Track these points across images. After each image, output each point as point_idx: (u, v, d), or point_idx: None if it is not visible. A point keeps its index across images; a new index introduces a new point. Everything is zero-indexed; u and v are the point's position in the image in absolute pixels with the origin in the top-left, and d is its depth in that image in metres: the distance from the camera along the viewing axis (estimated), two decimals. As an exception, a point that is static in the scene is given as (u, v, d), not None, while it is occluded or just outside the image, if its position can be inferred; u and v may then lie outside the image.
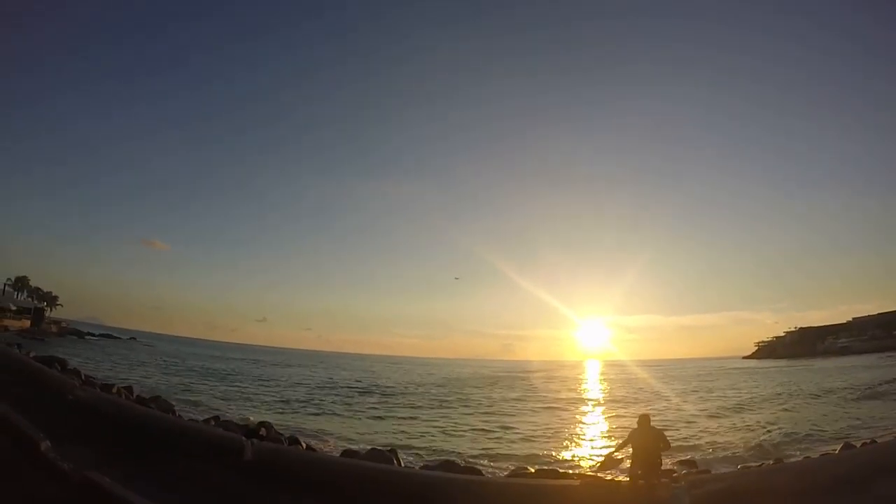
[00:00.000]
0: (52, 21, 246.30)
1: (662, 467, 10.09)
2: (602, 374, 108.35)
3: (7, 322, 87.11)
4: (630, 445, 9.92)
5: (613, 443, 27.10)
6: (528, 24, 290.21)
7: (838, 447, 19.48)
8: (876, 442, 19.09)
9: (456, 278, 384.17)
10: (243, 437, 12.11)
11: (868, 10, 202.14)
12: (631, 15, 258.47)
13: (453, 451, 23.82)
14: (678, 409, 38.59)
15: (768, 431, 28.45)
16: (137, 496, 7.43)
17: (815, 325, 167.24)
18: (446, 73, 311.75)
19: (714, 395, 51.44)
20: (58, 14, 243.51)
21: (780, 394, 48.31)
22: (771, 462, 18.53)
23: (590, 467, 20.63)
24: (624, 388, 64.20)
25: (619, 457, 10.84)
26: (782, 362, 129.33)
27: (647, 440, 9.69)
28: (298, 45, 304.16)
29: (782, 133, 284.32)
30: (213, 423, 19.73)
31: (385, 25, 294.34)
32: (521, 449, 25.57)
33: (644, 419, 10.06)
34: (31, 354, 30.54)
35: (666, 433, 10.25)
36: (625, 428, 30.13)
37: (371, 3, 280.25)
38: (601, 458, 10.92)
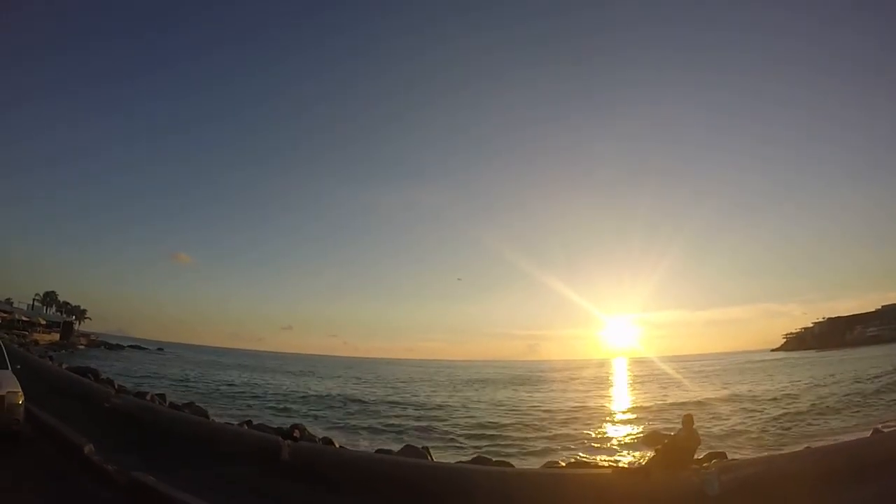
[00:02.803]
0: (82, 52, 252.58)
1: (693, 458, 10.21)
2: (631, 372, 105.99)
3: (37, 336, 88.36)
4: (673, 441, 10.05)
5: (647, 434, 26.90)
6: (548, 33, 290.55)
7: (869, 433, 19.26)
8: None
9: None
10: (280, 438, 12.27)
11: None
12: (661, 16, 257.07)
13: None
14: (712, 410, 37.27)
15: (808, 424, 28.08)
16: (186, 494, 7.57)
17: (844, 314, 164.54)
18: (468, 79, 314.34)
19: (746, 390, 49.90)
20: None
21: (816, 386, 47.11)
22: (800, 448, 18.34)
23: (627, 454, 20.51)
24: (655, 386, 63.03)
25: (662, 432, 10.85)
26: (811, 353, 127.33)
27: (688, 439, 9.83)
28: (329, 65, 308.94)
29: (808, 127, 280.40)
30: (246, 426, 19.92)
31: (411, 42, 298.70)
32: (552, 447, 25.46)
33: (688, 419, 10.18)
34: (64, 366, 31.15)
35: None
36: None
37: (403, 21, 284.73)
38: (646, 434, 10.91)
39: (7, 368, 12.73)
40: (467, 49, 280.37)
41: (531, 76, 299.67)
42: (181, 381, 57.35)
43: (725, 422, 30.21)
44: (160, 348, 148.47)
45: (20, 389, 11.63)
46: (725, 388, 52.33)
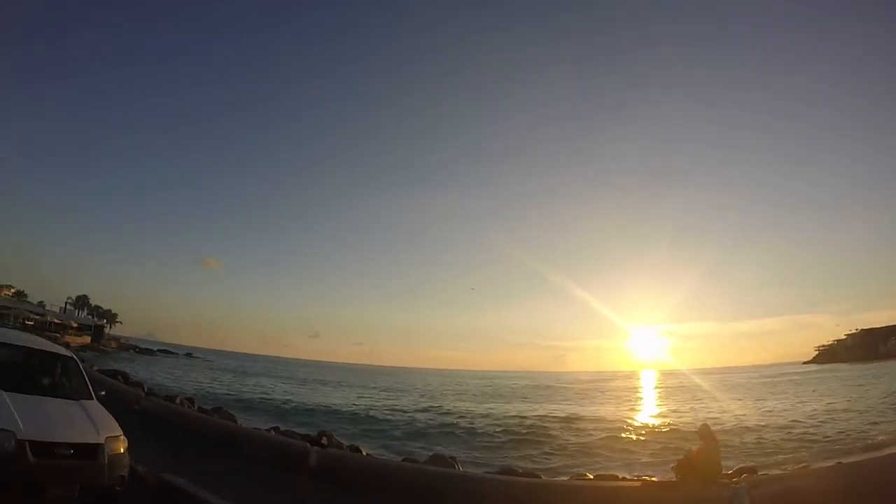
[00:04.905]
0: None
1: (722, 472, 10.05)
2: (664, 385, 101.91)
3: (68, 338, 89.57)
4: (693, 453, 9.90)
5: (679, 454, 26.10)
6: (572, 33, 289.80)
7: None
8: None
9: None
10: (307, 444, 12.30)
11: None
12: (689, 15, 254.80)
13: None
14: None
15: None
16: (212, 496, 7.60)
17: (878, 325, 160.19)
18: (491, 85, 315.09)
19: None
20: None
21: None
22: (832, 464, 17.88)
23: (658, 467, 20.15)
24: (688, 398, 61.27)
25: (694, 451, 10.64)
26: (843, 366, 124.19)
27: (707, 450, 9.69)
28: (353, 69, 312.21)
29: (840, 134, 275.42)
30: (273, 432, 20.00)
31: (426, 44, 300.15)
32: (582, 459, 25.16)
33: (705, 429, 10.06)
34: (95, 368, 31.54)
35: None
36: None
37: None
38: (681, 457, 10.69)
39: (92, 398, 8.94)
40: (486, 50, 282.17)
41: (552, 78, 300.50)
42: (210, 386, 57.97)
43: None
44: (189, 353, 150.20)
45: (121, 432, 8.17)
46: (760, 402, 50.85)
